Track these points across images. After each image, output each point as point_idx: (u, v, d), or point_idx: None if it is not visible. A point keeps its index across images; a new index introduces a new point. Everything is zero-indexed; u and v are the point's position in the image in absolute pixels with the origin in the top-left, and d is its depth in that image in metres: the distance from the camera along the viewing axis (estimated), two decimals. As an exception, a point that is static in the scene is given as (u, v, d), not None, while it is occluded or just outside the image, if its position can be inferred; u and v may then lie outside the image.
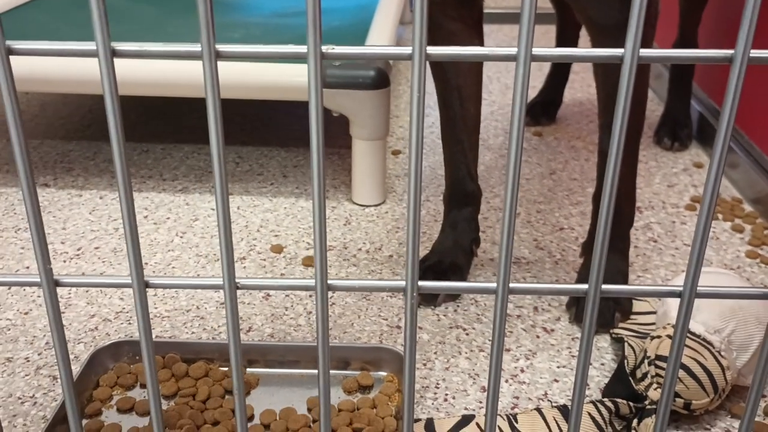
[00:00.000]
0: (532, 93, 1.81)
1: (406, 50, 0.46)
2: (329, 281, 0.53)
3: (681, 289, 0.53)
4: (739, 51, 0.45)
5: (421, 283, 0.53)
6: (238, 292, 1.09)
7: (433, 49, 0.46)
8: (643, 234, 1.27)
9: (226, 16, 1.69)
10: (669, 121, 1.63)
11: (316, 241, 0.51)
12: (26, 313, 1.05)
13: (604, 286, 0.53)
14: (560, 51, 0.46)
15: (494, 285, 0.53)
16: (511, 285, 0.53)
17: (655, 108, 1.80)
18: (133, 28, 1.59)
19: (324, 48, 0.46)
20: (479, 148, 1.57)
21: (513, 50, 0.46)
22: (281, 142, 1.63)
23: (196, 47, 0.47)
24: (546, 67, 1.85)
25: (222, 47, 0.47)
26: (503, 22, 2.56)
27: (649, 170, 1.51)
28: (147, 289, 0.55)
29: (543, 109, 1.74)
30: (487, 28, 2.51)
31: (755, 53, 0.45)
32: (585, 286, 0.53)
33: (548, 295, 0.54)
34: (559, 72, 1.75)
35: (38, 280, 0.53)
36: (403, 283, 0.53)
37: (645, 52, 0.45)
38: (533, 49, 0.45)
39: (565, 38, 1.71)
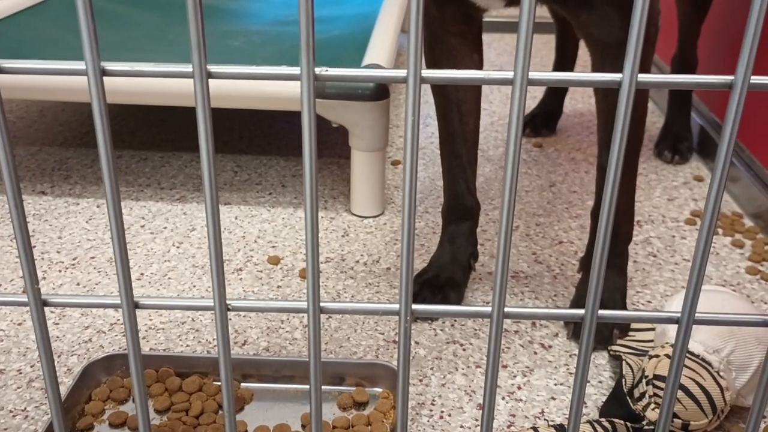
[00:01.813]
0: (533, 103, 1.80)
1: (401, 73, 0.46)
2: (322, 303, 0.52)
3: (679, 315, 0.52)
4: (739, 77, 0.44)
5: (415, 306, 0.53)
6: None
7: (428, 73, 0.45)
8: (642, 249, 1.27)
9: (227, 25, 1.69)
10: (669, 134, 1.62)
11: (309, 265, 0.50)
12: (20, 324, 1.04)
13: (601, 312, 0.52)
14: (557, 75, 0.46)
15: (489, 309, 0.52)
16: (507, 309, 0.52)
17: (655, 120, 1.80)
18: (135, 35, 1.59)
19: (318, 70, 0.46)
20: (479, 160, 1.56)
21: (509, 74, 0.45)
22: (280, 151, 1.62)
23: (187, 67, 0.46)
24: (547, 77, 1.84)
25: (213, 68, 0.46)
26: (504, 31, 2.55)
27: (649, 183, 1.51)
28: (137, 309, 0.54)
29: (543, 121, 1.73)
30: (489, 37, 2.50)
31: (756, 79, 0.45)
32: (581, 312, 0.52)
33: (544, 319, 0.53)
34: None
35: (26, 299, 0.52)
36: (397, 306, 0.52)
37: (643, 77, 0.45)
38: (530, 73, 0.45)
39: (565, 50, 1.70)
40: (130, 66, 0.46)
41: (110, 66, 0.46)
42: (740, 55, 0.43)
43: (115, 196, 0.49)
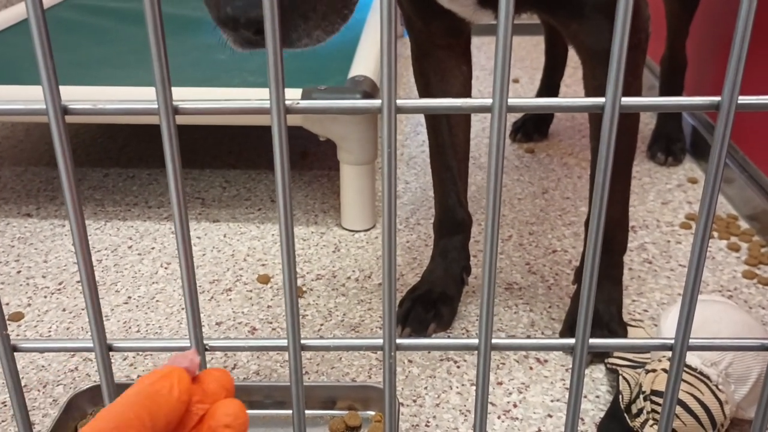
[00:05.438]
0: (524, 108, 1.78)
1: (375, 103, 0.44)
2: (303, 341, 0.51)
3: (672, 341, 0.51)
4: (725, 98, 0.42)
5: (399, 341, 0.51)
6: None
7: (403, 102, 0.44)
8: (637, 255, 1.25)
9: (212, 37, 1.66)
10: (662, 135, 1.60)
11: (287, 304, 0.48)
12: (5, 354, 1.02)
13: (592, 341, 0.50)
14: (538, 101, 0.44)
15: (476, 342, 0.50)
16: (494, 341, 0.50)
17: (648, 121, 1.78)
18: (121, 50, 1.57)
19: (288, 102, 0.44)
20: (470, 168, 1.54)
21: (488, 101, 0.43)
22: (270, 165, 1.60)
23: (152, 104, 0.44)
24: (536, 81, 1.82)
25: (180, 103, 0.44)
26: (494, 34, 2.53)
27: (642, 187, 1.49)
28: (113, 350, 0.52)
29: (535, 125, 1.71)
30: (478, 41, 2.49)
31: (743, 99, 0.43)
32: (572, 341, 0.51)
33: (534, 350, 0.52)
34: (550, 85, 1.73)
35: (-5, 346, 0.50)
36: (381, 341, 0.51)
37: (627, 101, 0.43)
38: (509, 100, 0.43)
39: (555, 54, 1.69)
40: (92, 104, 0.44)
41: (72, 105, 0.44)
42: (726, 76, 0.41)
43: (81, 235, 0.47)
